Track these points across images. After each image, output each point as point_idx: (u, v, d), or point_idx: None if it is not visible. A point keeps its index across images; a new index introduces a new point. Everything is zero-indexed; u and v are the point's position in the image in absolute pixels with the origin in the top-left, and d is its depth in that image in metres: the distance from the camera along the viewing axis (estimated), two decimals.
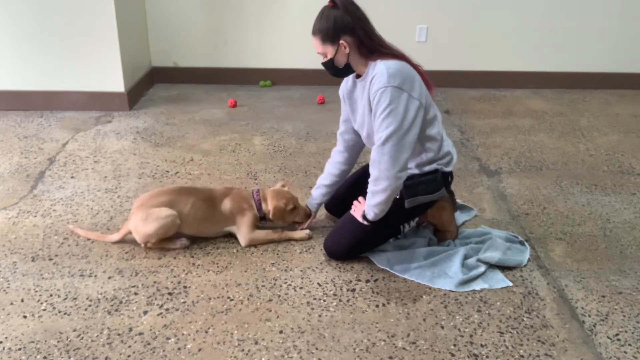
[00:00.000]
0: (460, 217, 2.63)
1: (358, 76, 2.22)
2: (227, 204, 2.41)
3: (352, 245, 2.28)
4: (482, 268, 2.23)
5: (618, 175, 3.19)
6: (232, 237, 2.47)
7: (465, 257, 2.29)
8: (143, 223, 2.29)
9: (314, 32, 2.13)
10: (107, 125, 3.84)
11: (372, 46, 2.12)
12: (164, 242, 2.37)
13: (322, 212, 2.69)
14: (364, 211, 2.22)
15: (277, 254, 2.37)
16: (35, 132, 3.70)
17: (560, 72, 4.83)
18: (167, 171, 3.15)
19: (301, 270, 2.26)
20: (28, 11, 3.86)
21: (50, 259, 2.31)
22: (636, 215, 2.75)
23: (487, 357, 1.83)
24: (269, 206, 2.43)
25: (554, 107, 4.39)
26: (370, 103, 2.11)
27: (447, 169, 2.29)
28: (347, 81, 2.34)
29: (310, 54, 4.76)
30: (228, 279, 2.20)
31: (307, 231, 2.48)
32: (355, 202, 2.32)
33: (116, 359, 1.79)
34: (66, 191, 2.90)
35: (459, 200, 2.69)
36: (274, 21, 4.65)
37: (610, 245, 2.48)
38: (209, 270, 2.25)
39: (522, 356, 1.83)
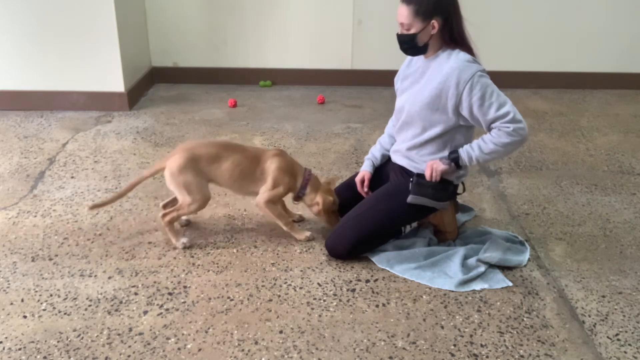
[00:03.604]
0: (460, 217, 2.63)
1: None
2: (272, 165, 2.36)
3: (354, 244, 2.28)
4: (482, 268, 2.23)
5: (618, 175, 3.19)
6: (232, 237, 2.47)
7: (465, 257, 2.29)
8: (183, 177, 2.28)
9: (408, 0, 2.09)
10: (107, 125, 3.84)
11: (458, 36, 2.14)
12: (172, 227, 2.37)
13: None
14: (451, 155, 2.20)
15: (277, 254, 2.37)
16: (35, 132, 3.70)
17: (560, 72, 4.83)
18: None
19: (301, 270, 2.26)
20: (28, 11, 3.85)
21: (50, 259, 2.31)
22: (636, 215, 2.74)
23: (487, 357, 1.83)
24: (318, 197, 2.39)
25: (554, 107, 4.39)
26: (442, 82, 2.11)
27: (457, 182, 2.32)
28: (411, 59, 2.34)
29: (310, 54, 4.83)
30: (228, 279, 2.20)
31: (309, 233, 2.47)
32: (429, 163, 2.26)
33: (116, 359, 1.79)
34: (66, 191, 2.90)
35: (459, 200, 2.69)
36: (274, 21, 4.65)
37: (610, 245, 2.48)
38: (209, 270, 2.25)
39: (522, 356, 1.83)
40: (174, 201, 2.45)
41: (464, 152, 2.17)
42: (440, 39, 2.14)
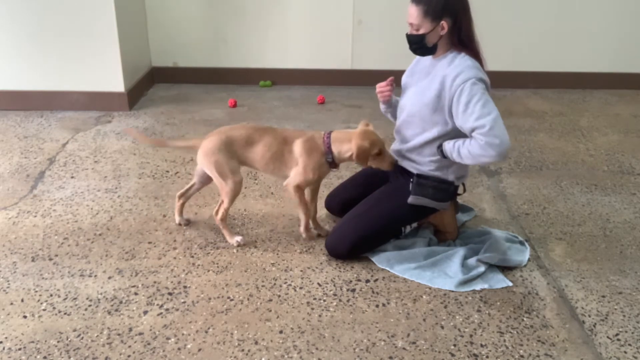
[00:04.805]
0: (460, 217, 2.63)
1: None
2: (297, 148, 2.31)
3: (354, 244, 2.28)
4: (482, 268, 2.23)
5: (618, 175, 3.19)
6: None
7: (465, 257, 2.29)
8: (215, 158, 2.29)
9: (418, 1, 2.08)
10: (107, 125, 3.84)
11: (466, 37, 2.12)
12: (225, 224, 2.40)
13: (323, 212, 2.69)
14: (439, 147, 2.19)
15: (277, 254, 2.37)
16: (35, 132, 3.70)
17: (560, 72, 4.83)
18: (167, 171, 3.15)
19: (301, 270, 2.26)
20: (28, 11, 3.85)
21: (50, 259, 2.31)
22: (636, 215, 2.75)
23: (487, 357, 1.83)
24: (352, 145, 2.22)
25: (554, 107, 4.39)
26: (441, 84, 2.11)
27: (457, 183, 2.32)
28: (420, 57, 2.33)
29: (310, 54, 4.83)
30: (228, 279, 2.20)
31: (315, 232, 2.47)
32: None
33: (116, 359, 1.79)
34: (66, 191, 2.90)
35: (459, 200, 2.69)
36: (274, 21, 4.66)
37: (610, 245, 2.48)
38: (209, 270, 2.25)
39: (522, 356, 1.83)
40: (189, 191, 2.52)
41: (448, 145, 2.16)
42: (449, 40, 2.14)
